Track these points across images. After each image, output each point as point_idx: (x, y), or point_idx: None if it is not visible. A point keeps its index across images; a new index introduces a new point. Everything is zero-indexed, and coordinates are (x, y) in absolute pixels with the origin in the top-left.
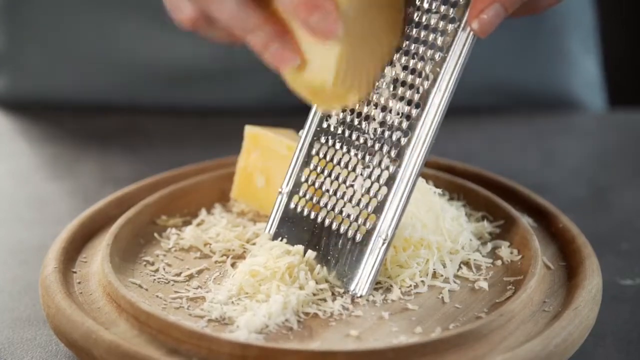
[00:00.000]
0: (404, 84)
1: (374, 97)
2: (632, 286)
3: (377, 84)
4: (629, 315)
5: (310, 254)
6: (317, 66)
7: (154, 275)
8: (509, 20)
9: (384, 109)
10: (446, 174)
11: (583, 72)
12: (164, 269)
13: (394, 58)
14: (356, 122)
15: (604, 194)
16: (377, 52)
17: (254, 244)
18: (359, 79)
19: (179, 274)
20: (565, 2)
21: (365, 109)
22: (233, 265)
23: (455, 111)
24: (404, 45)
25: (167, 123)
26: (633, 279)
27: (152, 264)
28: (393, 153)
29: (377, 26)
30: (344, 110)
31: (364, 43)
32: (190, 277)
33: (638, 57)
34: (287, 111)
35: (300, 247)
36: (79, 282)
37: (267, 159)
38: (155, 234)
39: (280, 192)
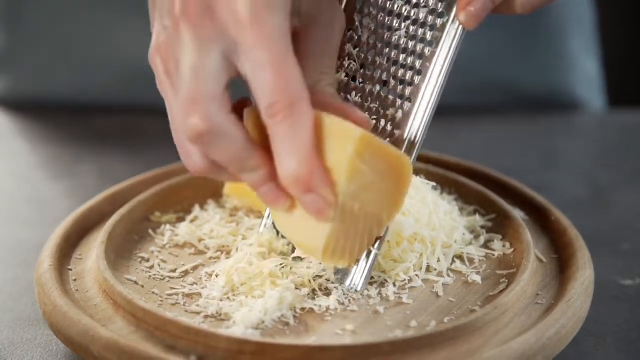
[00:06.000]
0: (394, 78)
1: (367, 89)
2: (632, 286)
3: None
4: (629, 315)
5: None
6: (308, 235)
7: (150, 272)
8: (509, 20)
9: (376, 104)
10: (438, 168)
11: (583, 71)
12: (159, 265)
13: (385, 52)
14: None
15: (604, 193)
16: (372, 227)
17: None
18: (350, 250)
19: (174, 270)
20: (566, 2)
21: (358, 106)
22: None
23: (455, 111)
24: (393, 40)
25: (167, 123)
26: (633, 279)
27: (147, 260)
28: None
29: (376, 204)
30: None
31: (359, 220)
32: (186, 273)
33: (638, 57)
34: None
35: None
36: (75, 280)
37: None
38: (150, 231)
39: None
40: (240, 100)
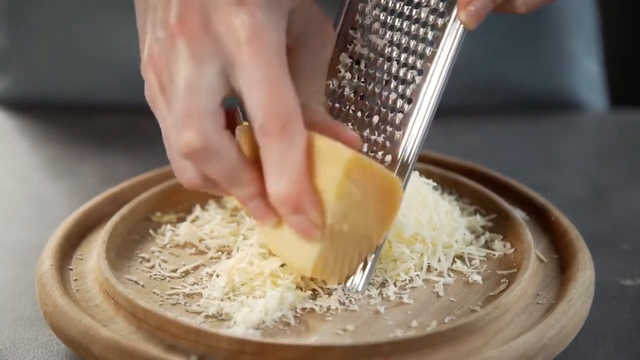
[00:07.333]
0: (395, 78)
1: (368, 89)
2: (632, 286)
3: None
4: (629, 315)
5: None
6: (296, 253)
7: (150, 272)
8: (510, 21)
9: (377, 104)
10: (438, 168)
11: (584, 72)
12: (159, 265)
13: (387, 51)
14: (350, 116)
15: (604, 194)
16: (362, 247)
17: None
18: (340, 267)
19: (174, 270)
20: (567, 2)
21: (359, 105)
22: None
23: (455, 111)
24: (394, 40)
25: None
26: (633, 279)
27: (148, 260)
28: (387, 148)
29: (365, 225)
30: (339, 104)
31: (348, 240)
32: (186, 273)
33: (639, 57)
34: None
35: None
36: (76, 280)
37: None
38: (150, 231)
39: None
40: (227, 110)
